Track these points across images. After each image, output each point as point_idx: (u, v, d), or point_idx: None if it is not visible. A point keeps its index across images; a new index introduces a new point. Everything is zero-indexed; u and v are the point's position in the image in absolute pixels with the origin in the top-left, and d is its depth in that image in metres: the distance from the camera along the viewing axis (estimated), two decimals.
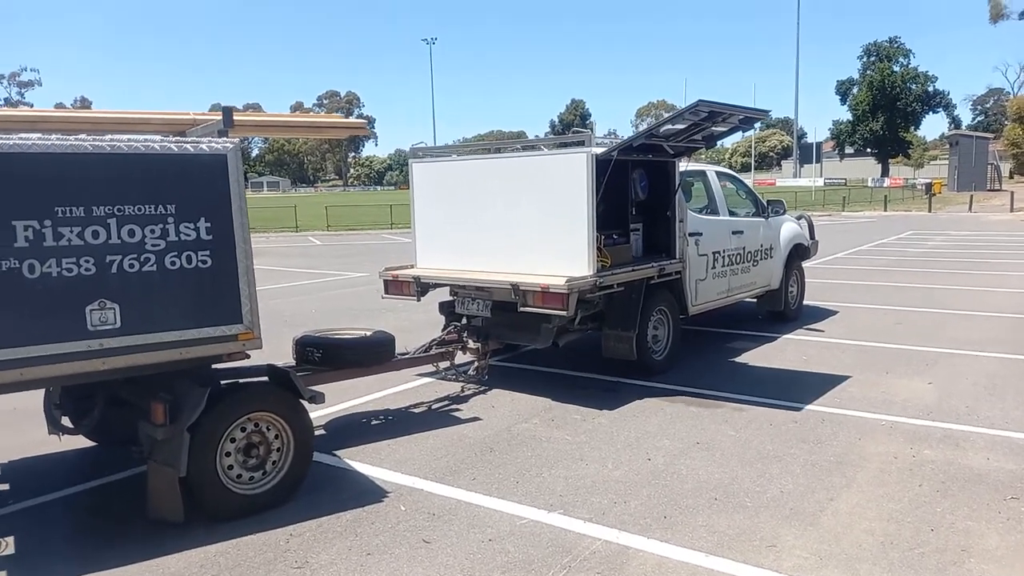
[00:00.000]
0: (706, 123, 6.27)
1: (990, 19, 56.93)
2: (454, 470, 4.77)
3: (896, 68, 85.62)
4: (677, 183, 7.07)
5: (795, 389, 6.43)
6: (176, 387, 4.05)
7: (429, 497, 4.36)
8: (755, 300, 9.33)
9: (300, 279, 15.58)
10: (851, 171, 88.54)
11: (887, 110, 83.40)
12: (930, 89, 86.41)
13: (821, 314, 9.96)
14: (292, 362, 5.48)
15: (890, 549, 3.61)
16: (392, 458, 5.01)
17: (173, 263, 3.83)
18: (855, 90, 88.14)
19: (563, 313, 5.91)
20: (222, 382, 4.32)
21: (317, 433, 5.49)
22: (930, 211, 38.39)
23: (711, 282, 7.81)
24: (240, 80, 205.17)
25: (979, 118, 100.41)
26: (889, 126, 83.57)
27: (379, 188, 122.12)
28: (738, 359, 7.66)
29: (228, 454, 4.09)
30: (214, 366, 4.30)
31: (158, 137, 4.22)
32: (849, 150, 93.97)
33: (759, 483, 4.46)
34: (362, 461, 4.96)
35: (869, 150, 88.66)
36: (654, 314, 6.91)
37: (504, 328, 6.67)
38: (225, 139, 4.03)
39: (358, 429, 5.66)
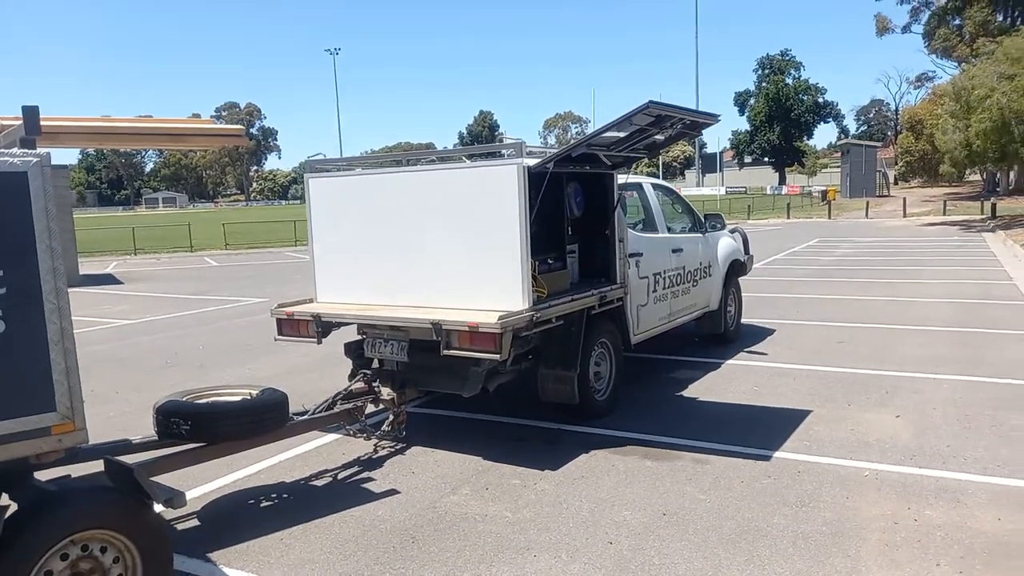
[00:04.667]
0: (651, 129, 5.45)
1: (876, 32, 59.64)
2: None
3: (789, 80, 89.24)
4: (616, 198, 6.24)
5: (757, 431, 5.67)
6: None
7: None
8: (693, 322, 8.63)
9: (191, 307, 14.00)
10: (750, 180, 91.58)
11: (782, 120, 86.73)
12: (820, 100, 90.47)
13: (759, 333, 9.38)
14: (154, 435, 4.28)
15: None
16: (285, 561, 3.88)
17: None
18: (752, 101, 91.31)
19: (495, 356, 4.93)
20: (35, 488, 3.11)
21: (187, 525, 4.33)
22: (830, 217, 39.64)
23: (652, 307, 7.01)
24: (132, 92, 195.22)
25: (863, 128, 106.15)
26: (784, 136, 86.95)
27: (283, 202, 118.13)
28: (685, 393, 6.88)
29: None
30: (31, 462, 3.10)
31: None
32: (748, 159, 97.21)
33: (749, 572, 3.61)
34: (244, 568, 3.81)
35: (767, 159, 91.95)
36: (596, 348, 6.03)
37: (424, 373, 5.62)
38: (28, 152, 2.86)
39: (243, 515, 4.49)
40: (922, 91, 72.74)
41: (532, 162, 5.16)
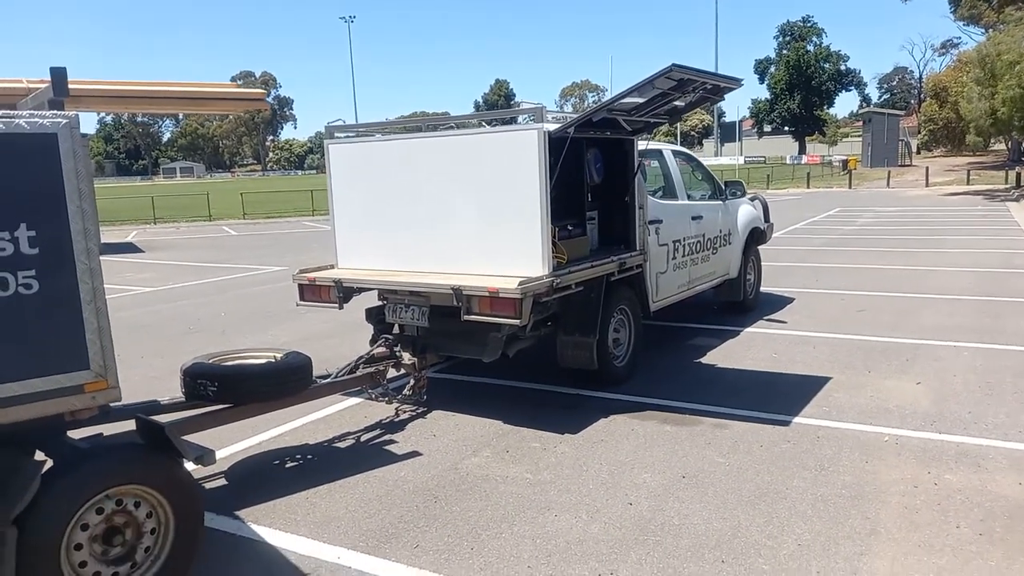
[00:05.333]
0: (673, 93, 5.39)
1: None
2: (391, 533, 3.78)
3: (810, 48, 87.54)
4: (636, 164, 6.20)
5: (776, 397, 5.68)
6: None
7: None
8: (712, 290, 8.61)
9: (211, 275, 14.13)
10: (769, 149, 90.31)
11: (803, 88, 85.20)
12: (842, 68, 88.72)
13: (778, 302, 9.34)
14: (181, 396, 4.36)
15: None
16: (311, 519, 3.97)
17: None
18: (772, 69, 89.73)
19: (515, 321, 4.96)
20: (70, 445, 3.19)
21: (215, 484, 4.42)
22: (850, 187, 39.20)
23: (672, 275, 7.00)
24: (145, 62, 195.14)
25: (885, 96, 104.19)
26: (805, 104, 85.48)
27: (300, 172, 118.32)
28: (703, 360, 6.89)
29: (79, 547, 2.98)
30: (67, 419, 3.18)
31: None
32: (767, 128, 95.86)
33: (768, 532, 3.65)
34: (272, 525, 3.90)
35: (787, 128, 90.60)
36: (615, 315, 6.04)
37: (444, 339, 5.68)
38: (57, 113, 2.89)
39: (269, 476, 4.59)
40: (947, 58, 71.34)
41: (552, 127, 5.14)
